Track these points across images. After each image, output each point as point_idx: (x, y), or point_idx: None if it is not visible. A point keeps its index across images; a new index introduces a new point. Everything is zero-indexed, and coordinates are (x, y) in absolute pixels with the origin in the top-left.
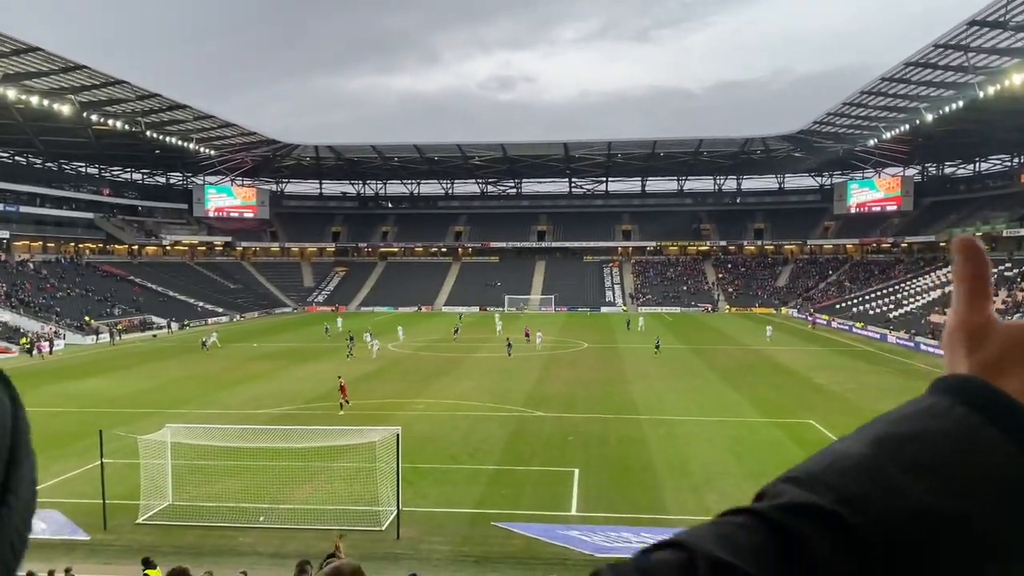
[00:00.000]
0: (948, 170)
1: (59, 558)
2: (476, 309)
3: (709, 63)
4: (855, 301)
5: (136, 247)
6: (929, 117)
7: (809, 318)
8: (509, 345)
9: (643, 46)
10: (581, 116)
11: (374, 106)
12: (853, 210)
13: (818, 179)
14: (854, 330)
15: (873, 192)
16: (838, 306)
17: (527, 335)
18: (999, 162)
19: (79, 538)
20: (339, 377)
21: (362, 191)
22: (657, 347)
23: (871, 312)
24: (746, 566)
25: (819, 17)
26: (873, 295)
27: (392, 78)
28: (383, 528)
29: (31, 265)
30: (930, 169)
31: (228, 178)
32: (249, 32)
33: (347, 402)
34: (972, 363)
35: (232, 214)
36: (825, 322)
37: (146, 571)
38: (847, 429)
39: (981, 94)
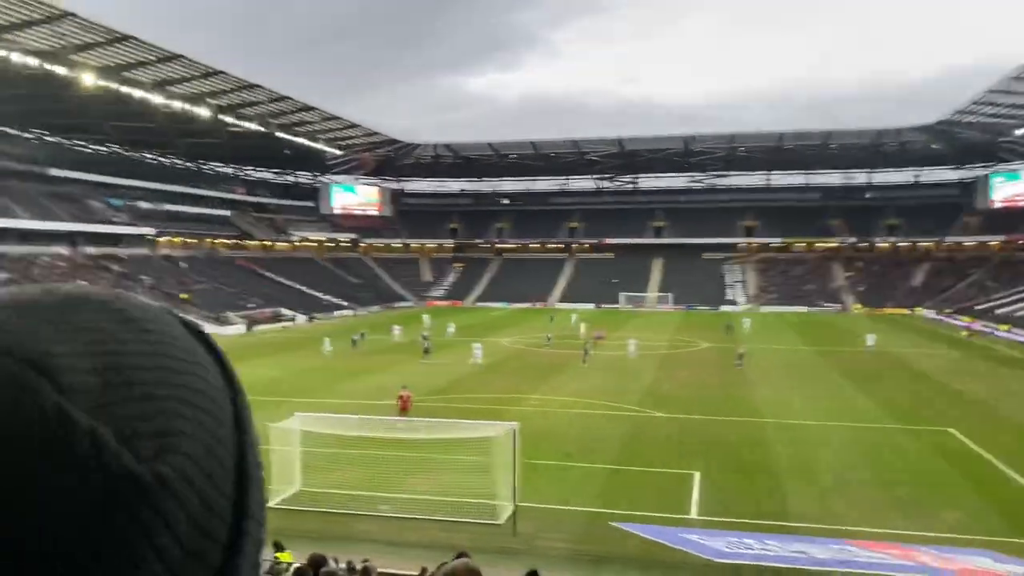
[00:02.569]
0: None
1: None
2: (591, 306)
3: (844, 54)
4: (1000, 302)
5: (267, 243)
6: None
7: (962, 324)
8: (586, 352)
9: (771, 37)
10: (705, 111)
11: (494, 104)
12: (997, 205)
13: (957, 172)
14: (997, 333)
15: (1019, 185)
16: (979, 307)
17: (598, 338)
18: None
19: None
20: (403, 387)
21: (479, 188)
22: (739, 359)
23: (1019, 313)
24: None
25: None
26: (1020, 296)
27: (513, 75)
28: (500, 522)
29: (176, 260)
30: None
31: (353, 177)
32: (376, 33)
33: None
34: None
35: (356, 212)
36: (990, 330)
37: (276, 554)
38: (993, 441)
39: None
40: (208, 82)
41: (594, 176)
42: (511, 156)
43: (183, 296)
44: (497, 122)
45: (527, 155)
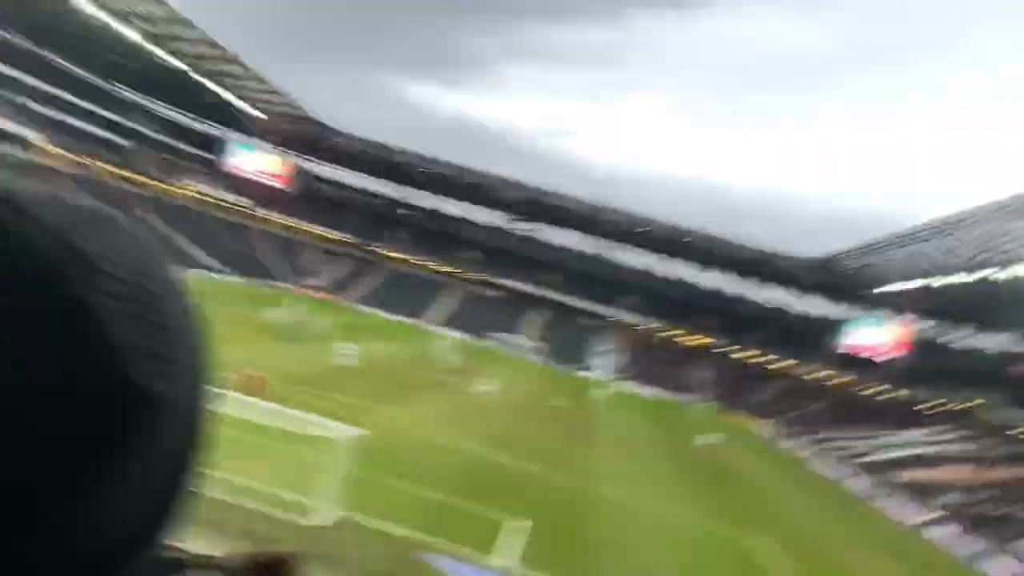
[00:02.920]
0: None
1: None
2: (467, 336)
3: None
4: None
5: (160, 185)
6: None
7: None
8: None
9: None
10: (625, 177)
11: (428, 117)
12: (855, 345)
13: (830, 308)
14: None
15: (874, 334)
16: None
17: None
18: None
19: None
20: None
21: (391, 193)
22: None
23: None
24: None
25: None
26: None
27: (452, 94)
28: (313, 524)
29: (50, 171)
30: None
31: (269, 144)
32: (330, 14)
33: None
34: None
35: (260, 179)
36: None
37: None
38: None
39: None
40: (143, 3)
41: (504, 213)
42: (432, 171)
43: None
44: (427, 135)
45: (448, 175)
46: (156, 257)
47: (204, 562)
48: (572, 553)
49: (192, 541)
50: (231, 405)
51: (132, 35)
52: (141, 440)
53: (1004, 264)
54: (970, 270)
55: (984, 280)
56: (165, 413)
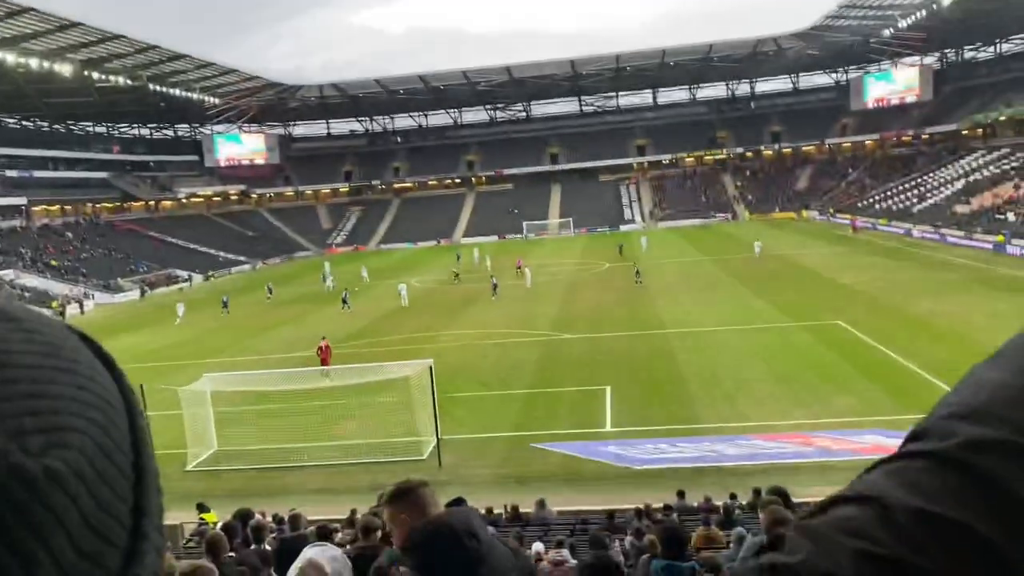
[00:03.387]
0: (968, 55)
1: None
2: (495, 238)
3: None
4: (878, 198)
5: (152, 203)
6: (946, 1)
7: (846, 222)
8: (495, 286)
9: None
10: (588, 32)
11: (381, 37)
12: (871, 105)
13: (833, 76)
14: (878, 227)
15: (890, 84)
16: (860, 204)
17: (519, 266)
18: (1021, 41)
19: None
20: (323, 338)
21: (370, 128)
22: (638, 276)
23: (895, 208)
24: (949, 511)
25: None
26: (895, 190)
27: (398, 7)
28: (424, 457)
29: (55, 229)
30: (949, 56)
31: (236, 126)
32: None
33: (326, 373)
34: None
35: (243, 162)
36: (870, 225)
37: (201, 515)
38: (877, 329)
39: None
40: (66, 35)
41: (486, 107)
42: (400, 92)
43: (53, 263)
44: (385, 57)
45: (417, 89)
46: (24, 329)
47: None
48: (656, 399)
49: (320, 508)
50: (308, 380)
51: (66, 70)
52: (46, 518)
53: None
54: None
55: None
56: (64, 483)
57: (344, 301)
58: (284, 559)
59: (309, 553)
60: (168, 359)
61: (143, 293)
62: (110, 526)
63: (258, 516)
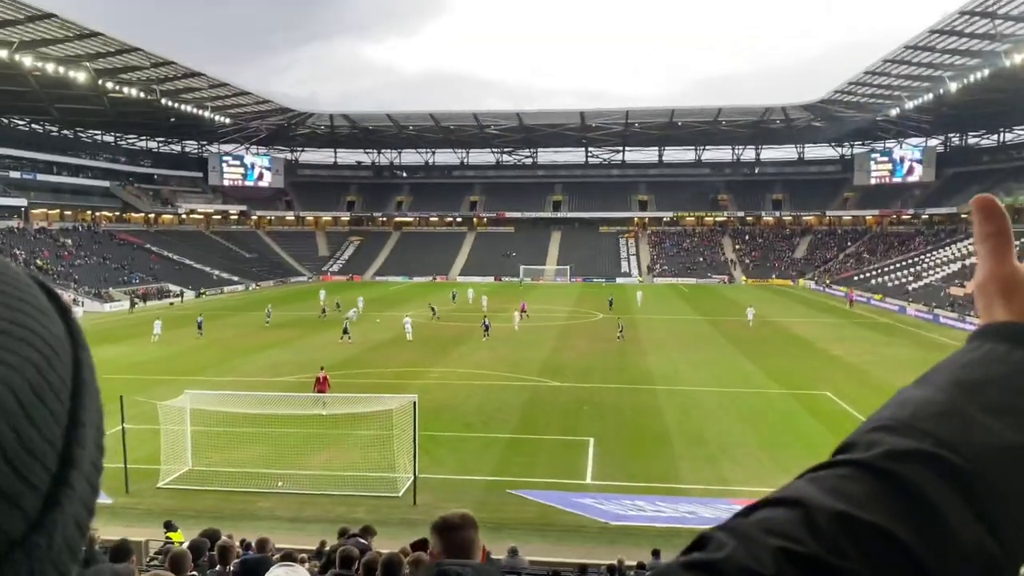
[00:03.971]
0: (972, 140)
1: None
2: (491, 279)
3: (733, 29)
4: (874, 273)
5: (152, 216)
6: (953, 86)
7: (841, 294)
8: (486, 328)
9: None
10: (605, 84)
11: (395, 74)
12: (873, 181)
13: (838, 149)
14: (872, 302)
15: (894, 163)
16: (856, 278)
17: (524, 310)
18: None
19: (102, 501)
20: (321, 368)
21: (377, 160)
22: (620, 332)
23: (890, 284)
24: (869, 516)
25: None
26: (892, 267)
27: (414, 43)
28: (400, 494)
29: (52, 233)
30: (953, 139)
31: (243, 147)
32: None
33: (322, 403)
34: (1012, 311)
35: (246, 183)
36: (865, 299)
37: (168, 534)
38: (864, 401)
39: (1008, 62)
40: (85, 44)
41: (494, 150)
42: (410, 128)
43: (39, 263)
44: (398, 92)
45: (427, 127)
46: None
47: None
48: (639, 453)
49: (289, 537)
50: (290, 405)
51: (81, 77)
52: None
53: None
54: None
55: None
56: None
57: (345, 331)
58: None
59: (278, 572)
60: (150, 373)
61: (132, 305)
62: (32, 467)
63: (225, 538)
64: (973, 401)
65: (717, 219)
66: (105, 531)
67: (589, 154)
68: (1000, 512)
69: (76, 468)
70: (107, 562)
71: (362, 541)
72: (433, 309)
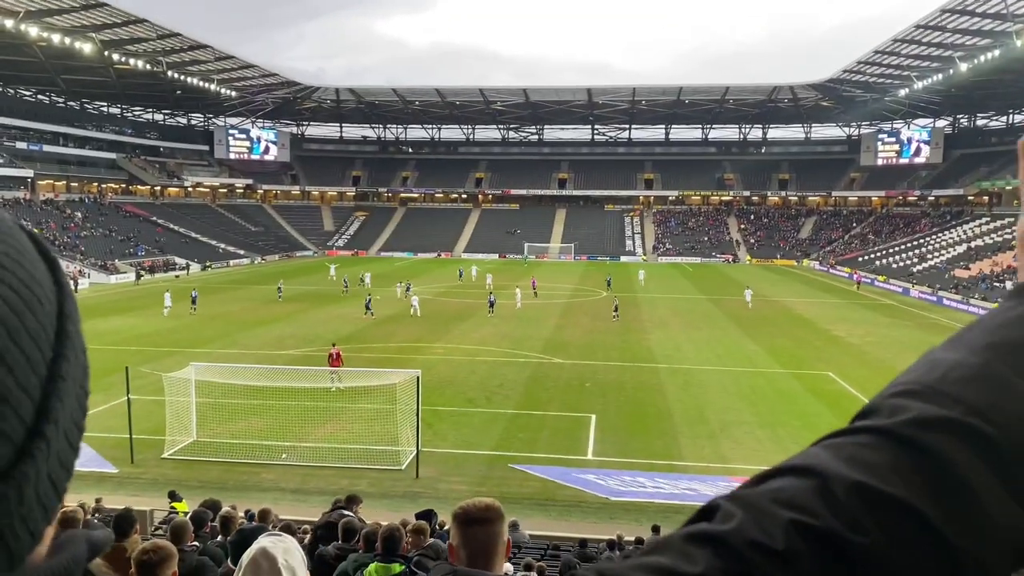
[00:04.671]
0: (980, 122)
1: (88, 489)
2: (496, 256)
3: (749, 7)
4: (878, 254)
5: (158, 188)
6: (963, 67)
7: (857, 278)
8: (492, 303)
9: None
10: (613, 59)
11: (405, 48)
12: (880, 162)
13: (846, 129)
14: (876, 283)
15: (901, 143)
16: (861, 259)
17: (533, 286)
18: None
19: (107, 471)
20: (333, 344)
21: (382, 135)
22: (616, 311)
23: (895, 266)
24: (890, 488)
25: None
26: (897, 249)
27: (423, 17)
28: (403, 467)
29: (58, 204)
30: (962, 121)
31: (249, 120)
32: None
33: (338, 377)
34: None
35: (252, 156)
36: (870, 280)
37: (172, 504)
38: (865, 382)
39: (1019, 43)
40: (90, 14)
41: (499, 126)
42: (416, 103)
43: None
44: (406, 68)
45: (432, 102)
46: None
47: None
48: (640, 428)
49: (292, 508)
50: (296, 377)
51: (87, 48)
52: None
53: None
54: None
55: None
56: None
57: (367, 307)
58: (241, 549)
59: (264, 542)
60: (156, 345)
61: (139, 277)
62: (4, 414)
63: (228, 508)
64: (1010, 365)
65: (723, 198)
66: (110, 500)
67: (595, 131)
68: None
69: (53, 422)
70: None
71: (346, 513)
72: (408, 286)
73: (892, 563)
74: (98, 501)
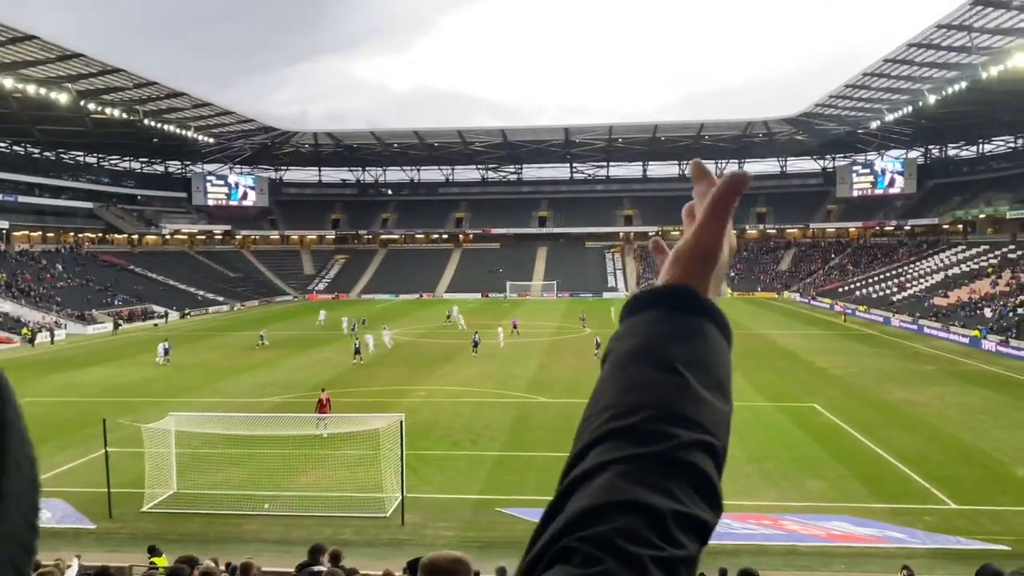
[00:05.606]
0: (952, 152)
1: (65, 547)
2: (479, 295)
3: (720, 42)
4: (858, 284)
5: (136, 237)
6: (932, 99)
7: (841, 309)
8: (476, 343)
9: (656, 28)
10: (589, 103)
11: (385, 92)
12: (856, 193)
13: (820, 162)
14: (857, 314)
15: (875, 175)
16: (841, 290)
17: (515, 326)
18: (1003, 143)
19: (85, 526)
20: (323, 389)
21: (361, 178)
22: (597, 349)
23: (874, 296)
24: (694, 510)
25: None
26: (876, 279)
27: (402, 60)
28: (388, 514)
29: (34, 255)
30: (933, 151)
31: (227, 166)
32: (263, 14)
33: (324, 424)
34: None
35: (231, 203)
36: (850, 311)
37: (152, 559)
38: (851, 412)
39: (984, 75)
40: (67, 65)
41: (479, 166)
42: (395, 145)
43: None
44: (388, 110)
45: (411, 144)
46: None
47: None
48: None
49: (275, 560)
50: (277, 426)
51: (63, 99)
52: None
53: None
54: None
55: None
56: None
57: (357, 351)
58: None
59: None
60: (135, 395)
61: (116, 326)
62: None
63: (208, 563)
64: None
65: None
66: (89, 557)
67: (574, 170)
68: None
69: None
70: None
71: (316, 570)
72: (363, 321)
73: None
74: (78, 558)
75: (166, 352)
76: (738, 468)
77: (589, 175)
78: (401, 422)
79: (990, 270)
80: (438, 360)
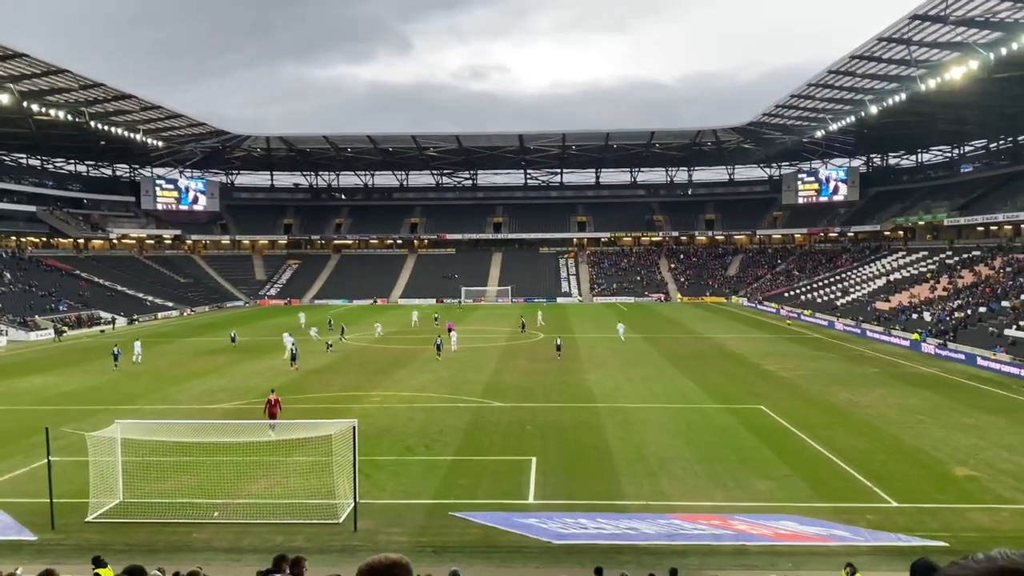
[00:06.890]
0: (892, 160)
1: (4, 559)
2: (433, 301)
3: (683, 54)
4: (804, 289)
5: (82, 241)
6: (873, 109)
7: (786, 314)
8: (438, 347)
9: (618, 36)
10: (552, 106)
11: (343, 97)
12: (801, 201)
13: (767, 170)
14: (803, 318)
15: (819, 183)
16: (787, 294)
17: (450, 329)
18: (940, 153)
19: (26, 538)
20: (272, 391)
21: (315, 183)
22: (559, 350)
23: (819, 300)
24: None
25: (788, 9)
26: (821, 283)
27: (362, 68)
28: (340, 521)
29: None
30: (875, 160)
31: (177, 170)
32: (217, 16)
33: (272, 425)
34: None
35: (181, 207)
36: (796, 315)
37: (96, 570)
38: (796, 414)
39: (923, 87)
40: (8, 65)
41: (433, 172)
42: (348, 150)
43: None
44: (344, 114)
45: (365, 149)
46: None
47: None
48: (581, 467)
49: (225, 568)
50: (227, 433)
51: (4, 99)
52: None
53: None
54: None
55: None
56: None
57: (328, 345)
58: None
59: None
60: (79, 403)
61: (59, 333)
62: None
63: (155, 572)
64: None
65: (653, 239)
66: (30, 569)
67: (528, 176)
68: None
69: None
70: None
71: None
72: (233, 337)
73: None
74: (12, 574)
75: (115, 357)
76: (688, 469)
77: (543, 181)
78: (354, 428)
79: (929, 275)
80: (392, 366)
